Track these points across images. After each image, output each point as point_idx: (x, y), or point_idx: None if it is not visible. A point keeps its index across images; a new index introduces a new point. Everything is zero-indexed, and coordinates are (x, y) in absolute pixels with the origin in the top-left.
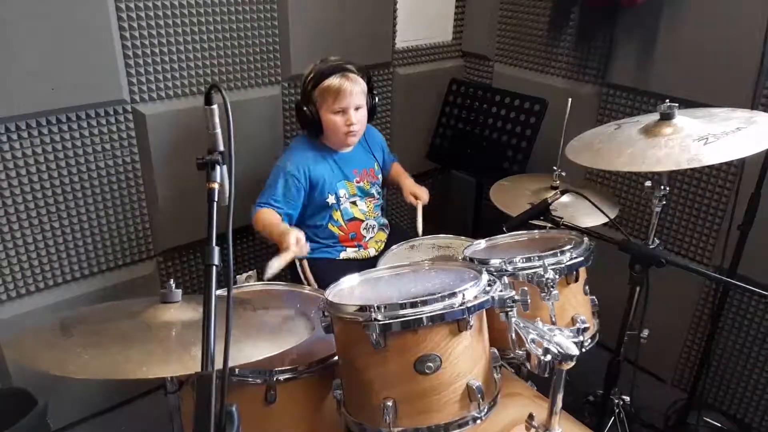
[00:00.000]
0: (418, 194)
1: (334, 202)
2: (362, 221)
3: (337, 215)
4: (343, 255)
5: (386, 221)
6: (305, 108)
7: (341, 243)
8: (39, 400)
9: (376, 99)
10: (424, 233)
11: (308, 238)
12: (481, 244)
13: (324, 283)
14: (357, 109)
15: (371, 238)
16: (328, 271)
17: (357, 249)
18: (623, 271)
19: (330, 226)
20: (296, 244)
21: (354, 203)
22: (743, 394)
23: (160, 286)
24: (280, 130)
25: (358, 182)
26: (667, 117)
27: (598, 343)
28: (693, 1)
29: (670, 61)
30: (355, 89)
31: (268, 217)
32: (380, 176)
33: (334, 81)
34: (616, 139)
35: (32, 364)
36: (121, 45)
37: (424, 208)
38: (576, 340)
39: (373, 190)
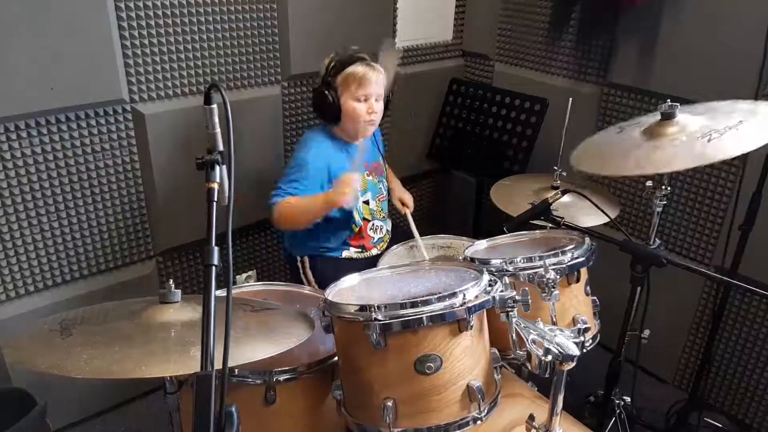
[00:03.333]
0: (405, 201)
1: None
2: (369, 221)
3: (356, 215)
4: (345, 254)
5: (390, 223)
6: (327, 93)
7: (349, 241)
8: (39, 400)
9: (391, 94)
10: (424, 234)
11: (324, 239)
12: (482, 244)
13: (324, 282)
14: (377, 99)
15: (379, 238)
16: (328, 270)
17: (360, 251)
18: (624, 271)
19: (353, 226)
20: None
21: (366, 202)
22: (744, 394)
23: (159, 286)
24: (280, 130)
25: (368, 175)
26: (668, 117)
27: (599, 343)
28: (694, 1)
29: (671, 61)
30: (379, 79)
31: (297, 202)
32: (384, 171)
33: (358, 68)
34: (621, 143)
35: (31, 365)
36: (120, 44)
37: (413, 214)
38: (577, 340)
39: (381, 186)
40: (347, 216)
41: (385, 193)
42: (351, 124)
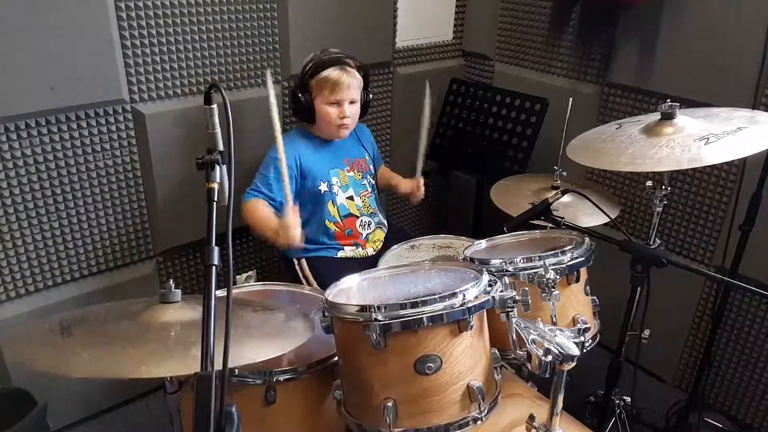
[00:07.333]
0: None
1: (327, 190)
2: (357, 217)
3: (333, 210)
4: (341, 254)
5: (384, 220)
6: (300, 96)
7: (338, 240)
8: (39, 400)
9: (370, 96)
10: (425, 233)
11: (306, 240)
12: (482, 244)
13: (322, 282)
14: (351, 103)
15: (368, 234)
16: (326, 270)
17: (355, 248)
18: (624, 271)
19: (327, 222)
20: (296, 236)
21: (350, 198)
22: (744, 394)
23: (159, 286)
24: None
25: (349, 171)
26: (668, 117)
27: (599, 343)
28: (694, 1)
29: (671, 61)
30: (352, 83)
31: (258, 212)
32: (372, 167)
33: (332, 73)
34: (618, 138)
35: (31, 365)
36: (120, 44)
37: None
38: (577, 340)
39: (365, 182)
40: (318, 215)
41: (370, 189)
42: (325, 127)
